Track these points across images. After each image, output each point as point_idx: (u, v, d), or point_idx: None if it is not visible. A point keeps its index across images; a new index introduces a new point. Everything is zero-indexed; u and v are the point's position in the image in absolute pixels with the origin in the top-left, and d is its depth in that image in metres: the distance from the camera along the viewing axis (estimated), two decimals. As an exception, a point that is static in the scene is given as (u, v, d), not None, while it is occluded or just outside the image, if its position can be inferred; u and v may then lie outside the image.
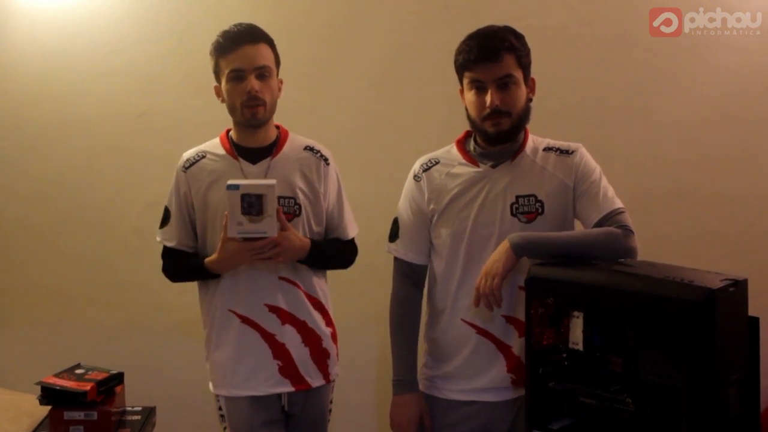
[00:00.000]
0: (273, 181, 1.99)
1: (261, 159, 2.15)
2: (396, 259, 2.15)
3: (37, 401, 2.26)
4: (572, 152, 2.02)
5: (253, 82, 2.06)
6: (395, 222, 2.16)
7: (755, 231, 3.09)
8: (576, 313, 1.71)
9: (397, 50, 3.11)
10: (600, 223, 1.92)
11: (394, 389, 2.11)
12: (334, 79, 3.13)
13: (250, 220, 1.94)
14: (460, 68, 1.99)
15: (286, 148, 2.18)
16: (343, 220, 2.26)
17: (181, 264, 2.19)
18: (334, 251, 2.24)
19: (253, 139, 2.15)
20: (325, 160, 2.22)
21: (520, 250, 1.85)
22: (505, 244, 1.87)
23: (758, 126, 3.10)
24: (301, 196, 2.15)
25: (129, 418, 2.41)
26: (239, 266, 2.10)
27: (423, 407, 2.09)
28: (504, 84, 1.93)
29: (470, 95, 1.97)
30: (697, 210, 3.10)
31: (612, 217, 1.91)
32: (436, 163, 2.09)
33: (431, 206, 2.06)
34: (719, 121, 3.09)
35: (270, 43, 2.13)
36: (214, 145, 2.19)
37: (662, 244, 2.93)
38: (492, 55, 1.91)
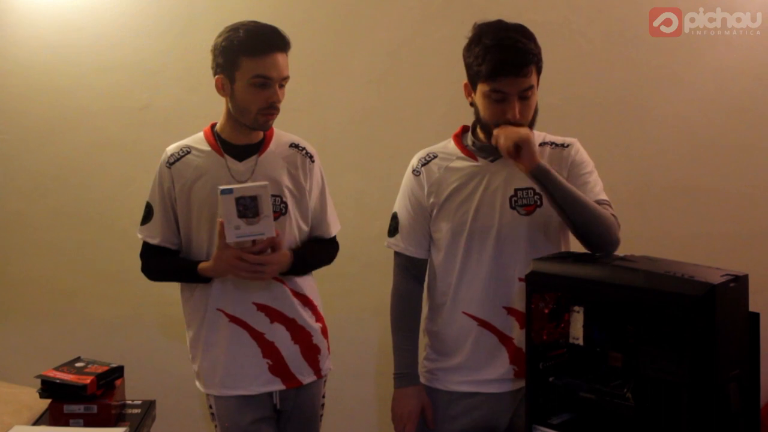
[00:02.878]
0: (265, 183, 1.98)
1: (247, 156, 2.13)
2: (396, 253, 2.16)
3: (37, 394, 2.26)
4: (567, 146, 2.04)
5: (279, 93, 2.05)
6: (394, 217, 2.16)
7: (756, 227, 3.10)
8: (576, 308, 1.71)
9: (399, 45, 3.11)
10: None
11: (396, 383, 2.12)
12: (335, 74, 3.13)
13: (247, 222, 1.93)
14: (483, 77, 1.91)
15: (272, 145, 2.16)
16: (326, 217, 2.24)
17: (166, 263, 2.17)
18: (314, 256, 2.22)
19: (245, 137, 2.13)
20: (311, 157, 2.20)
21: (538, 172, 1.85)
22: (535, 160, 1.86)
23: (758, 125, 3.10)
24: (287, 193, 2.14)
25: (129, 411, 2.41)
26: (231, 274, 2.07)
27: (424, 400, 2.10)
28: (525, 96, 1.91)
29: (487, 101, 1.92)
30: (698, 206, 3.10)
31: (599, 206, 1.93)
32: (435, 157, 2.09)
33: (431, 200, 2.07)
34: (719, 121, 3.09)
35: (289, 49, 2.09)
36: (198, 140, 2.16)
37: (663, 240, 2.94)
38: (520, 70, 1.88)
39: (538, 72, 1.95)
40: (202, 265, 2.08)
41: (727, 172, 3.09)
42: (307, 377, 2.20)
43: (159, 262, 2.18)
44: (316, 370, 2.22)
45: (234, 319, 2.13)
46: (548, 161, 1.99)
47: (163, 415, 2.61)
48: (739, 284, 1.56)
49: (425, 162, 2.10)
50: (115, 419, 2.30)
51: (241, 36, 2.01)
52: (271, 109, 2.05)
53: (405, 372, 2.11)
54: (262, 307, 2.13)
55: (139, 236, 2.20)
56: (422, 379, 2.13)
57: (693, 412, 1.53)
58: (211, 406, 2.21)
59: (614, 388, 1.67)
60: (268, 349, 2.14)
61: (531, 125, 1.98)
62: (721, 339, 1.51)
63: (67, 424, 2.21)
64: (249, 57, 2.00)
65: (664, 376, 1.57)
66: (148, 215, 2.19)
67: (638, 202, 2.95)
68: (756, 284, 1.64)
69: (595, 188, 1.99)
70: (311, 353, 2.21)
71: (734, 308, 1.56)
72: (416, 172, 2.10)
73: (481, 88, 1.93)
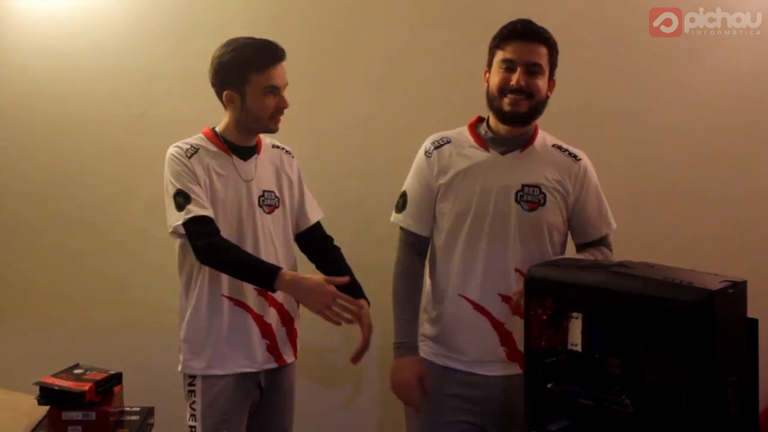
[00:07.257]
0: None
1: (249, 156, 2.28)
2: (402, 229, 2.22)
3: (36, 401, 2.27)
4: (579, 159, 2.14)
5: (286, 98, 2.21)
6: (403, 194, 2.23)
7: (755, 233, 3.09)
8: (575, 315, 1.71)
9: (398, 50, 3.10)
10: (595, 243, 2.16)
11: (395, 352, 2.18)
12: (334, 79, 3.12)
13: None
14: (499, 43, 2.07)
15: (263, 147, 2.33)
16: (303, 206, 2.38)
17: (238, 249, 2.13)
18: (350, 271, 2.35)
19: (248, 140, 2.27)
20: (289, 153, 2.40)
21: None
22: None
23: (758, 126, 3.09)
24: (278, 188, 2.31)
25: (127, 418, 2.41)
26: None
27: (422, 369, 2.16)
28: (532, 71, 2.03)
29: (498, 72, 2.06)
30: (697, 211, 3.09)
31: (604, 239, 2.17)
32: (448, 142, 2.17)
33: (439, 182, 2.14)
34: (719, 122, 3.08)
35: None
36: (202, 140, 2.25)
37: (661, 245, 2.93)
38: (532, 36, 2.04)
39: (551, 64, 2.07)
40: (289, 273, 2.11)
41: (726, 177, 3.08)
42: (289, 358, 2.36)
43: (230, 245, 2.13)
44: (294, 351, 2.38)
45: (238, 303, 2.23)
46: (553, 165, 2.11)
47: (161, 422, 2.61)
48: (737, 290, 1.55)
49: (438, 145, 2.17)
50: (114, 426, 2.30)
51: (247, 54, 2.16)
52: (280, 114, 2.23)
53: (404, 341, 2.18)
54: (262, 292, 2.24)
55: (179, 221, 2.10)
56: (421, 353, 2.20)
57: (692, 418, 1.52)
58: (193, 392, 2.27)
59: (613, 394, 1.67)
60: (266, 331, 2.28)
61: (538, 109, 2.09)
62: (719, 345, 1.51)
63: (65, 431, 2.21)
64: (257, 72, 2.16)
65: (663, 382, 1.57)
66: (185, 200, 2.12)
67: (637, 207, 2.94)
68: (754, 290, 1.63)
69: (608, 216, 2.16)
70: (293, 336, 2.37)
71: (733, 314, 1.56)
72: (428, 154, 2.17)
73: (495, 61, 2.08)
